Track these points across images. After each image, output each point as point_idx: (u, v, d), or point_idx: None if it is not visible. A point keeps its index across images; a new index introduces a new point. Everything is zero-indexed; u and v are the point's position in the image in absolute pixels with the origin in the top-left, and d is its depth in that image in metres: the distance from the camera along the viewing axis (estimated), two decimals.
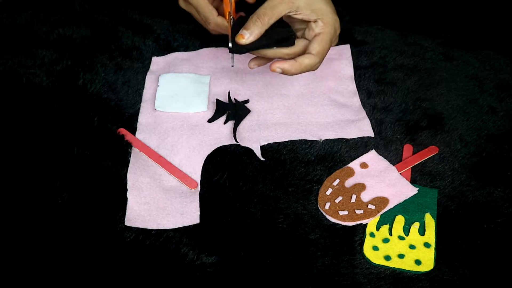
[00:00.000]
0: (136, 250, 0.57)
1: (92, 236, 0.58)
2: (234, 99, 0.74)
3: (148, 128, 0.70)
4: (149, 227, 0.59)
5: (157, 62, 0.80)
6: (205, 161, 0.66)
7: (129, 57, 0.80)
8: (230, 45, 0.66)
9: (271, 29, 0.65)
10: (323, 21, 0.65)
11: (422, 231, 0.59)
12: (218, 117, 0.72)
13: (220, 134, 0.69)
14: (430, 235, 0.59)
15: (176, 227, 0.60)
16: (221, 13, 0.72)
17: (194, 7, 0.72)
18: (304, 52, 0.67)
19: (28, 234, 0.58)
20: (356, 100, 0.74)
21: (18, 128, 0.69)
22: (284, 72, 0.66)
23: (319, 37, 0.66)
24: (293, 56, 0.67)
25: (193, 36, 0.84)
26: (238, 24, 0.66)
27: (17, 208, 0.60)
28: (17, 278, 0.55)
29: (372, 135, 0.69)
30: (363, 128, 0.70)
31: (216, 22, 0.71)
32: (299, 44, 0.67)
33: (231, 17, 0.67)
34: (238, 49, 0.66)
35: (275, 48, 0.66)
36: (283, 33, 0.66)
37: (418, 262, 0.57)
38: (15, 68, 0.77)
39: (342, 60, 0.79)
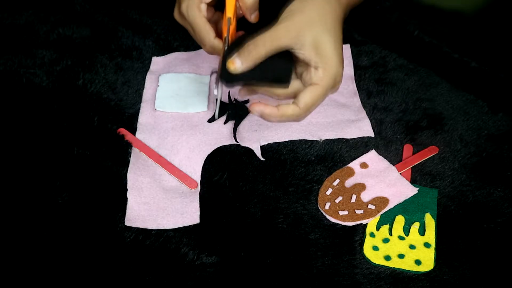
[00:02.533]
0: (136, 250, 0.57)
1: (92, 236, 0.58)
2: (234, 99, 0.74)
3: (148, 128, 0.70)
4: (149, 227, 0.59)
5: (157, 62, 0.80)
6: (205, 161, 0.66)
7: (129, 57, 0.80)
8: (219, 72, 0.60)
9: (269, 59, 0.58)
10: (324, 71, 0.58)
11: (422, 231, 0.59)
12: (218, 117, 0.72)
13: (220, 134, 0.69)
14: (430, 235, 0.59)
15: (176, 227, 0.60)
16: (219, 29, 0.66)
17: (189, 24, 0.65)
18: (295, 96, 0.60)
19: (28, 234, 0.58)
20: (356, 100, 0.74)
21: (18, 128, 0.69)
22: (262, 117, 0.60)
23: (313, 88, 0.58)
24: (283, 98, 0.62)
25: None
26: (235, 45, 0.59)
27: (17, 208, 0.60)
28: (17, 278, 0.55)
29: (372, 135, 0.69)
30: (363, 128, 0.70)
31: (212, 45, 0.64)
32: (293, 86, 0.60)
33: (227, 43, 0.60)
34: (227, 78, 0.59)
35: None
36: (279, 70, 0.59)
37: (418, 262, 0.57)
38: (15, 68, 0.77)
39: None
